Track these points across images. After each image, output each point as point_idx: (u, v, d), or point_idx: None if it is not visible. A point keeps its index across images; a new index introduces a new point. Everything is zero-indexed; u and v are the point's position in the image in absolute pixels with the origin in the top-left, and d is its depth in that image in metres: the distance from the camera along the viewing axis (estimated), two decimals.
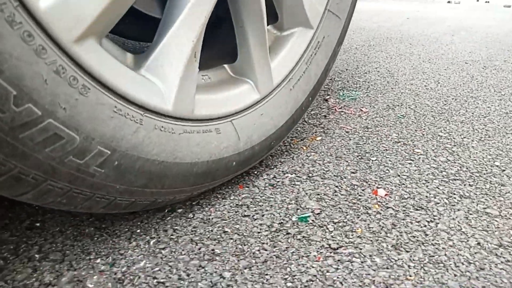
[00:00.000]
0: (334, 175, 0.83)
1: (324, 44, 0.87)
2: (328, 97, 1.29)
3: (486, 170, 0.90)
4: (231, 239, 0.62)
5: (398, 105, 1.29)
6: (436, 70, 1.77)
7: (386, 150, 0.97)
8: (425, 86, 1.52)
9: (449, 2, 5.12)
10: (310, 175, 0.83)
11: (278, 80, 0.77)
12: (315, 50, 0.85)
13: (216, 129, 0.64)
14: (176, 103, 0.57)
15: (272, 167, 0.85)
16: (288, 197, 0.74)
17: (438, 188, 0.81)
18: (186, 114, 0.59)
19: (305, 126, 1.08)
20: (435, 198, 0.77)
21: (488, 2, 5.35)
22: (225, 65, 0.73)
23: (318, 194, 0.76)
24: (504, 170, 0.90)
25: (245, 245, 0.61)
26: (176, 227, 0.65)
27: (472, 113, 1.26)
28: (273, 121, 0.77)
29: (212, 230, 0.64)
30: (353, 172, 0.85)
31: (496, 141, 1.05)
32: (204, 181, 0.64)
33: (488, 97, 1.43)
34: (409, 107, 1.28)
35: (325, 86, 1.42)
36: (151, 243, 0.61)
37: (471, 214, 0.73)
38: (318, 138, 1.01)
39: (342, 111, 1.21)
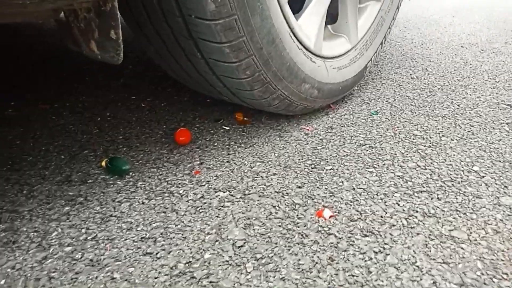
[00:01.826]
0: (276, 192, 0.71)
1: (385, 15, 1.16)
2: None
3: (461, 178, 0.76)
4: None
5: (374, 99, 1.15)
6: (427, 56, 1.61)
7: (347, 155, 0.84)
8: (410, 75, 1.37)
9: None
10: (247, 192, 0.70)
11: (361, 35, 1.09)
12: (380, 19, 1.15)
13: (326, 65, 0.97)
14: (315, 45, 0.90)
15: (204, 183, 0.73)
16: (209, 225, 0.62)
17: (398, 205, 0.68)
18: (318, 52, 0.92)
19: (259, 128, 0.95)
20: (391, 218, 0.64)
21: None
22: (328, 25, 1.06)
23: (249, 219, 0.63)
24: (482, 177, 0.76)
25: None
26: (54, 274, 0.54)
27: (458, 106, 1.11)
28: (355, 66, 1.08)
29: (97, 277, 0.52)
30: (299, 187, 0.72)
31: (480, 139, 0.91)
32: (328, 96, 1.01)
33: (479, 85, 1.27)
34: (387, 101, 1.13)
35: None
36: None
37: (432, 239, 0.59)
38: (269, 144, 0.88)
39: None
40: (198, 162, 0.80)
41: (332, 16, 1.06)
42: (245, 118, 0.98)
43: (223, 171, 0.76)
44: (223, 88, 0.84)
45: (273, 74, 0.80)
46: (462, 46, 1.80)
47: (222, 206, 0.66)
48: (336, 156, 0.83)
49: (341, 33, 1.05)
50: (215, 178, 0.74)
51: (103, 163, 0.75)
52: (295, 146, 0.87)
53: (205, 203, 0.67)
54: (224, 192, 0.70)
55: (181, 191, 0.70)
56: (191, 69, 0.82)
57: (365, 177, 0.75)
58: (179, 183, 0.72)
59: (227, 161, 0.80)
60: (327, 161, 0.81)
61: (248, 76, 0.77)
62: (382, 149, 0.86)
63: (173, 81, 1.23)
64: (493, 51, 1.70)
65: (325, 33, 1.01)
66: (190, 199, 0.68)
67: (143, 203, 0.66)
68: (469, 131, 0.95)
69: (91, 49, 0.61)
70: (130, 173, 0.75)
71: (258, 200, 0.68)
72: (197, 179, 0.74)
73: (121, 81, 1.25)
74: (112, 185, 0.71)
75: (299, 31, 0.85)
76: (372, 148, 0.87)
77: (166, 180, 0.73)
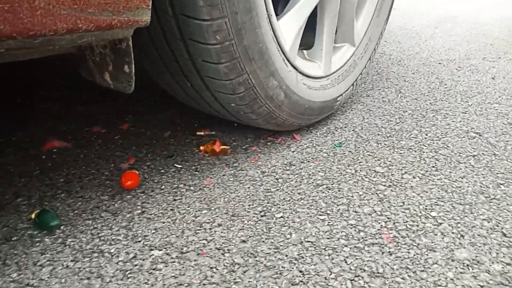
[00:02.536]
0: (217, 248, 0.66)
1: (358, 60, 1.21)
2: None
3: (418, 226, 0.71)
4: None
5: (340, 128, 1.10)
6: (402, 75, 1.58)
7: (301, 199, 0.79)
8: (382, 98, 1.33)
9: None
10: (184, 250, 0.65)
11: (334, 69, 1.11)
12: (353, 63, 1.19)
13: None
14: (290, 51, 0.91)
15: (140, 238, 0.68)
16: None
17: (346, 262, 0.63)
18: (292, 60, 0.93)
19: (214, 166, 0.90)
20: (336, 280, 0.59)
21: None
22: (304, 51, 1.06)
23: (180, 285, 0.58)
24: (440, 224, 0.71)
25: None
26: None
27: (426, 135, 1.07)
28: (326, 93, 1.07)
29: None
30: (243, 241, 0.67)
31: (443, 176, 0.87)
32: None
33: (451, 110, 1.23)
34: (353, 130, 1.09)
35: None
36: None
37: None
38: (221, 186, 0.83)
39: (269, 140, 1.03)
40: (140, 211, 0.74)
41: (307, 45, 1.05)
42: (222, 147, 0.94)
43: (163, 223, 0.71)
44: (187, 61, 0.77)
45: (243, 50, 0.75)
46: (439, 63, 1.76)
47: (153, 270, 0.61)
48: (289, 200, 0.78)
49: (315, 60, 1.04)
50: (153, 232, 0.69)
51: (33, 215, 0.70)
52: (248, 188, 0.82)
53: (136, 265, 0.62)
54: (159, 250, 0.65)
55: (112, 250, 0.65)
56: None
57: (316, 227, 0.71)
58: (113, 239, 0.67)
59: (171, 209, 0.75)
60: (279, 207, 0.76)
61: (218, 42, 0.71)
62: (339, 191, 0.82)
63: (132, 109, 1.18)
64: (469, 68, 1.67)
65: (299, 54, 0.99)
66: (120, 260, 0.63)
67: (67, 266, 0.61)
68: (433, 167, 0.91)
69: (105, 80, 0.65)
70: (62, 227, 0.69)
71: (195, 260, 0.63)
72: (134, 233, 0.69)
73: (78, 109, 1.20)
74: (38, 244, 0.65)
75: (277, 27, 0.83)
76: (329, 189, 0.82)
77: (100, 235, 0.68)
